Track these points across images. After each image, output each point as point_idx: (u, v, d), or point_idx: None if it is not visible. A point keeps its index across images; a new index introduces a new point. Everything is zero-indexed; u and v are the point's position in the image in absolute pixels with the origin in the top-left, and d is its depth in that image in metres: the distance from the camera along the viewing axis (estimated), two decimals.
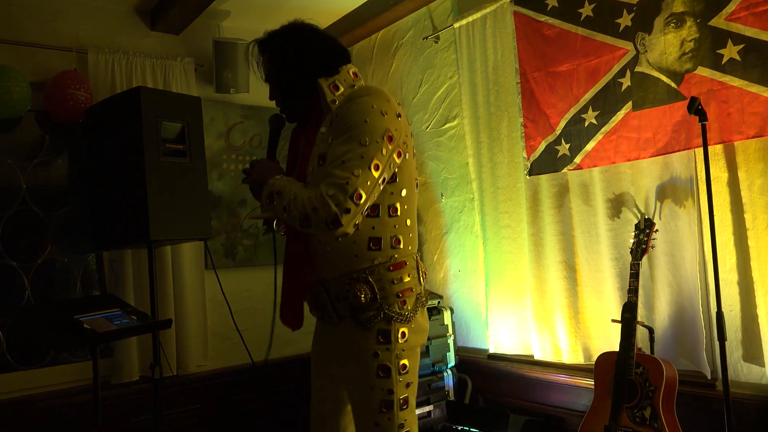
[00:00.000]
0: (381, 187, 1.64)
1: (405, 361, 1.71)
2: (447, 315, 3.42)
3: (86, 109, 3.21)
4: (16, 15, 3.29)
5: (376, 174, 1.59)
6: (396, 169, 1.68)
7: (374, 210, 1.68)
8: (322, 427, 1.90)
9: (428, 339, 3.26)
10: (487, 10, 3.29)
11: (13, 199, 3.30)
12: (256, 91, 3.92)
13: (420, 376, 3.17)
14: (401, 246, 1.72)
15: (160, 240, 2.97)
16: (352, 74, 1.80)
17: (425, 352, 3.29)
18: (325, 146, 1.67)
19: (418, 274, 1.77)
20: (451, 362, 3.39)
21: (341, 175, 1.56)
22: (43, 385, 3.20)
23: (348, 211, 1.55)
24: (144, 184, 2.85)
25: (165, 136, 2.99)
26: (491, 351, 3.38)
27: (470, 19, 3.39)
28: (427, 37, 3.73)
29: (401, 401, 1.70)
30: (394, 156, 1.65)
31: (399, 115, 1.70)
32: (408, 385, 1.72)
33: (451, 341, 3.40)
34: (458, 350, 3.48)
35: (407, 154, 1.72)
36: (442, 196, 3.75)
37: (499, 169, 3.33)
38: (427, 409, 3.26)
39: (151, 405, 2.99)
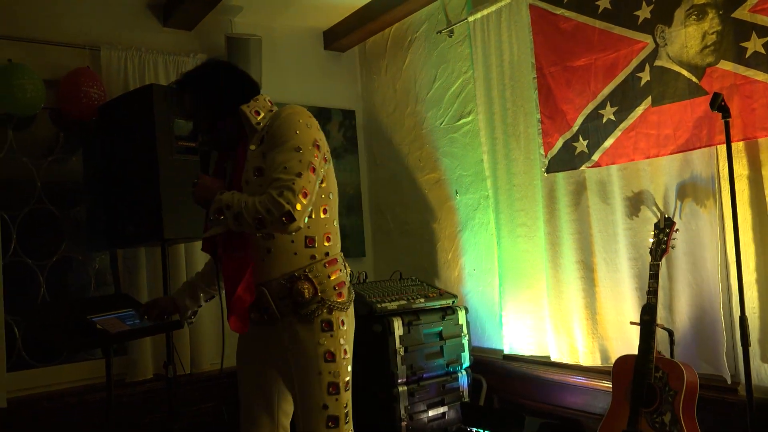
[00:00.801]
0: (317, 188, 1.85)
1: (347, 347, 1.92)
2: (462, 315, 3.37)
3: (99, 106, 3.21)
4: (29, 13, 3.29)
5: (313, 175, 1.81)
6: (323, 174, 1.90)
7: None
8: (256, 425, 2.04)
9: (443, 339, 3.25)
10: (502, 3, 3.22)
11: (29, 197, 3.31)
12: (268, 88, 3.90)
13: (434, 377, 3.22)
14: (332, 243, 1.94)
15: (173, 238, 2.96)
16: (268, 102, 1.99)
17: (439, 352, 3.25)
18: (259, 161, 1.86)
19: (346, 268, 2.00)
20: (466, 363, 3.35)
21: (286, 177, 1.75)
22: (59, 383, 3.22)
23: (298, 206, 1.74)
24: (157, 182, 2.85)
25: (177, 133, 2.98)
26: (506, 351, 3.32)
27: (485, 12, 3.33)
28: (440, 31, 3.67)
29: (346, 383, 1.89)
30: (322, 161, 1.88)
31: (320, 129, 1.92)
32: (349, 369, 1.92)
33: (465, 341, 3.35)
34: (473, 350, 3.43)
35: (329, 163, 1.95)
36: (457, 193, 3.70)
37: (514, 166, 3.26)
38: (441, 410, 3.22)
39: (165, 403, 3.00)
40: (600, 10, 2.78)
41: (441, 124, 3.78)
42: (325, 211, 1.92)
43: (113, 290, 3.49)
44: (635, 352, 2.45)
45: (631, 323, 2.55)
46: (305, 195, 1.76)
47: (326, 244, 1.92)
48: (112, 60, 3.38)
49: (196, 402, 3.46)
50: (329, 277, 1.90)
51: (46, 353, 3.26)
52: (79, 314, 2.27)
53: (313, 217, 1.88)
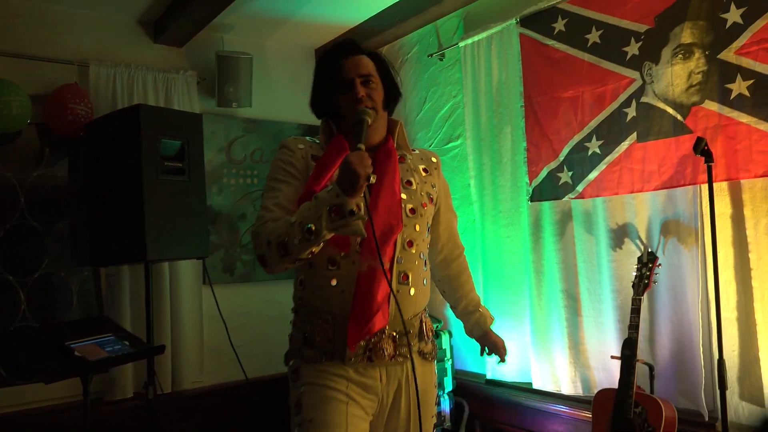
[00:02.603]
0: None
1: None
2: (445, 338, 3.38)
3: (86, 123, 3.18)
4: (18, 28, 3.27)
5: None
6: None
7: None
8: None
9: None
10: (493, 30, 3.24)
11: (11, 213, 3.28)
12: (258, 106, 3.91)
13: None
14: None
15: (156, 259, 2.94)
16: None
17: None
18: (429, 188, 1.88)
19: None
20: (449, 387, 3.35)
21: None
22: (38, 401, 3.18)
23: None
24: (141, 203, 2.83)
25: (164, 153, 2.96)
26: (489, 376, 3.33)
27: (476, 38, 3.34)
28: (432, 54, 3.68)
29: None
30: None
31: None
32: None
33: (449, 365, 3.35)
34: (456, 374, 3.44)
35: None
36: None
37: (501, 193, 3.27)
38: None
39: (146, 422, 2.97)
40: (589, 44, 2.80)
41: (430, 146, 3.79)
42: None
43: (96, 308, 3.45)
44: (616, 384, 2.46)
45: (612, 357, 2.57)
46: None
47: None
48: (101, 76, 3.35)
49: (178, 421, 3.44)
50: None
51: (25, 372, 3.22)
52: (57, 340, 2.25)
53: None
